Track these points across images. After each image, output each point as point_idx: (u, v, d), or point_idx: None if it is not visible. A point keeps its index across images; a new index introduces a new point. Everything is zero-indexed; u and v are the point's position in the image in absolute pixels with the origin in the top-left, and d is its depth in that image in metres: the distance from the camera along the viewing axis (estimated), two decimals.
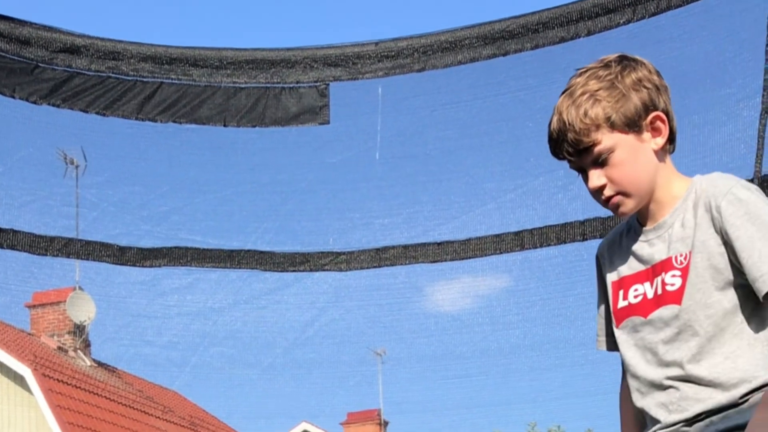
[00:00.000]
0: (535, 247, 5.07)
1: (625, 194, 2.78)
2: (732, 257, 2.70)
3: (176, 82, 5.02)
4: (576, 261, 5.22)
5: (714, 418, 2.70)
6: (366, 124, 5.18)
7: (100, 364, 22.38)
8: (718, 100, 4.84)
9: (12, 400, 19.95)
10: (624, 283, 2.89)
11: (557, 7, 4.79)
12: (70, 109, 4.99)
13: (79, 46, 4.97)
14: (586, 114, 2.74)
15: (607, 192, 2.79)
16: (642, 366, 2.82)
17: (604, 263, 2.98)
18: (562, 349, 5.86)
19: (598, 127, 2.74)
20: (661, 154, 2.81)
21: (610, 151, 2.76)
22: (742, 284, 2.70)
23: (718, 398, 2.70)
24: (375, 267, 5.23)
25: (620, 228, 2.98)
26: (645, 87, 2.78)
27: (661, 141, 2.80)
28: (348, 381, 7.22)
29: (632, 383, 2.86)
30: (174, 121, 5.05)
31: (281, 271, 5.30)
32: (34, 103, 4.96)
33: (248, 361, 6.28)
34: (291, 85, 5.02)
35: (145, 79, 5.01)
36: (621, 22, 4.69)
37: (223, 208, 5.54)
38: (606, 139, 2.75)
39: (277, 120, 5.03)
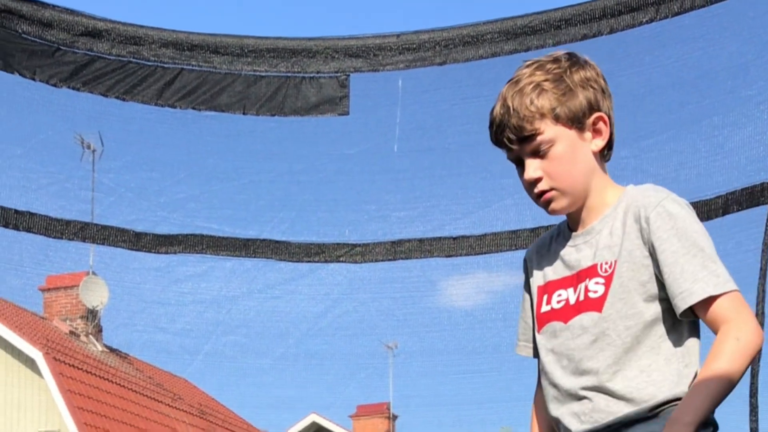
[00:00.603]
0: None
1: (560, 191, 2.76)
2: (656, 270, 2.68)
3: (197, 68, 5.01)
4: None
5: (624, 430, 2.68)
6: (385, 116, 5.17)
7: (111, 349, 22.44)
8: (739, 101, 4.81)
9: (23, 383, 20.02)
10: (549, 288, 2.86)
11: (580, 4, 4.77)
12: (90, 92, 4.99)
13: (100, 30, 4.97)
14: (531, 102, 2.73)
15: (542, 186, 2.77)
16: (558, 373, 2.79)
17: (531, 267, 2.96)
18: None
19: (542, 116, 2.73)
20: (599, 158, 2.81)
21: (551, 143, 2.74)
22: (665, 298, 2.68)
23: (628, 412, 2.67)
24: (390, 260, 5.23)
25: (551, 232, 2.96)
26: (592, 87, 2.77)
27: (600, 143, 2.79)
28: (359, 373, 7.22)
29: (550, 390, 2.83)
30: (193, 108, 5.05)
31: (296, 262, 5.30)
32: (54, 86, 4.96)
33: (260, 350, 6.28)
34: (311, 75, 5.02)
35: (165, 65, 5.00)
36: (644, 20, 4.67)
37: (240, 196, 5.54)
38: (548, 131, 2.73)
39: (297, 109, 5.03)
